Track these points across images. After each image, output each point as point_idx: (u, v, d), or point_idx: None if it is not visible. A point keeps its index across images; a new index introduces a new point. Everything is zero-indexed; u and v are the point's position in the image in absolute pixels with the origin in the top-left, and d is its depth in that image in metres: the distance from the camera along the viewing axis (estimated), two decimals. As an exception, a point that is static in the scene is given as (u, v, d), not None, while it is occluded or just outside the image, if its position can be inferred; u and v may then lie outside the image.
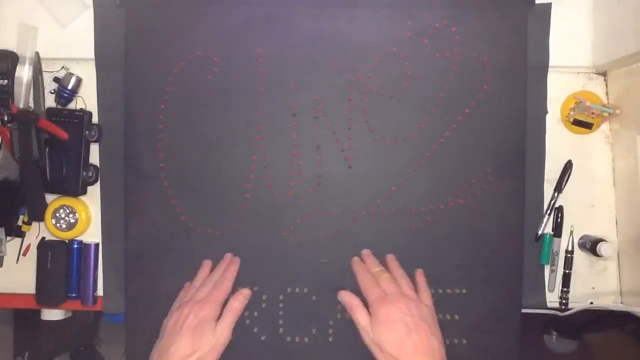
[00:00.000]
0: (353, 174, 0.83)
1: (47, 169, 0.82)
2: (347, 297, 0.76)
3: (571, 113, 0.85)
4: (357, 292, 0.82)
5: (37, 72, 0.84)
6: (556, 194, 0.85)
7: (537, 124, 0.85)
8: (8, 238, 0.86)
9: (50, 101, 0.86)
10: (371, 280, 0.75)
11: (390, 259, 0.80)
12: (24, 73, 0.83)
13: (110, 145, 0.85)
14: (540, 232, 0.84)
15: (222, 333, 0.72)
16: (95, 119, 0.85)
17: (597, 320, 1.02)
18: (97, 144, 0.85)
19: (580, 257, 0.85)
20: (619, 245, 0.85)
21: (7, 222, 0.85)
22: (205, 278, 0.79)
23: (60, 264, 0.84)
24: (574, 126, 0.85)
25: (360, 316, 0.73)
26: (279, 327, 0.82)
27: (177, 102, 0.83)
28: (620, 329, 1.02)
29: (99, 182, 0.86)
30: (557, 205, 0.84)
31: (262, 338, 0.82)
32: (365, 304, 0.74)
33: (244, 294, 0.78)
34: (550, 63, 0.85)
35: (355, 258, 0.81)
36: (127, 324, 0.83)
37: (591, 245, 0.82)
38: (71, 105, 0.86)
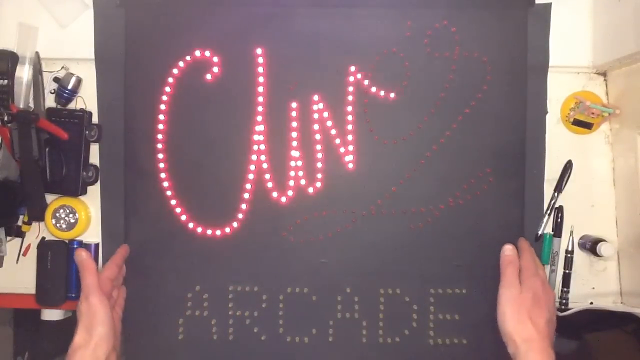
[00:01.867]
0: (353, 174, 0.83)
1: (47, 169, 0.82)
2: (510, 252, 0.78)
3: (571, 113, 0.85)
4: (358, 291, 0.82)
5: (37, 72, 0.84)
6: (556, 194, 0.84)
7: (537, 124, 0.85)
8: (8, 238, 0.86)
9: (50, 101, 0.86)
10: (535, 261, 0.78)
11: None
12: (24, 73, 0.83)
13: (110, 145, 0.85)
14: (540, 232, 0.84)
15: (87, 292, 0.74)
16: (95, 119, 0.85)
17: (597, 320, 1.02)
18: (97, 144, 0.85)
19: (580, 257, 0.85)
20: (619, 245, 0.85)
21: (7, 222, 0.85)
22: None
23: (60, 264, 0.84)
24: (574, 126, 0.85)
25: (513, 272, 0.76)
26: (279, 327, 0.82)
27: (177, 102, 0.83)
28: (620, 329, 1.02)
29: (99, 182, 0.86)
30: (557, 205, 0.84)
31: (262, 338, 0.82)
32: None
33: (78, 252, 0.78)
34: (550, 63, 0.85)
35: (523, 238, 0.82)
36: (127, 324, 0.83)
37: (591, 245, 0.82)
38: (71, 105, 0.86)
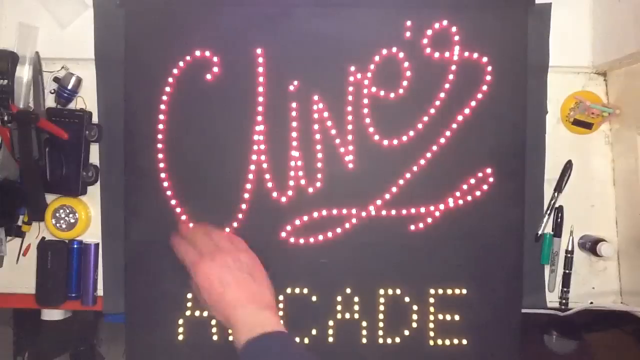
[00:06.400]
0: (353, 174, 0.83)
1: (47, 169, 0.82)
2: None
3: (571, 113, 0.85)
4: (358, 291, 0.82)
5: (37, 72, 0.84)
6: (556, 194, 0.85)
7: (537, 124, 0.85)
8: (8, 238, 0.86)
9: (50, 101, 0.86)
10: (186, 245, 0.72)
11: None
12: (24, 73, 0.83)
13: (110, 145, 0.85)
14: (540, 232, 0.84)
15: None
16: (95, 119, 0.85)
17: (597, 320, 1.02)
18: (97, 144, 0.85)
19: (580, 257, 0.85)
20: (619, 245, 0.85)
21: (7, 222, 0.85)
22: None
23: (60, 264, 0.84)
24: (574, 126, 0.85)
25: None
26: (279, 327, 0.82)
27: (177, 102, 0.83)
28: (620, 329, 1.02)
29: (99, 182, 0.86)
30: (557, 205, 0.85)
31: (262, 338, 0.82)
32: None
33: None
34: (550, 63, 0.85)
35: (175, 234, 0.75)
36: (127, 324, 0.83)
37: (591, 245, 0.82)
38: (71, 105, 0.86)
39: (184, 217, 0.82)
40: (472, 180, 0.82)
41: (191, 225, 0.80)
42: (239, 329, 0.64)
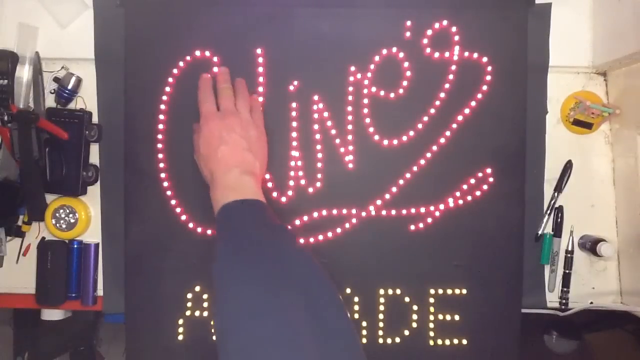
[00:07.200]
0: (353, 174, 0.83)
1: (47, 169, 0.82)
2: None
3: (571, 113, 0.85)
4: (358, 291, 0.82)
5: (37, 72, 0.84)
6: (556, 194, 0.85)
7: (537, 124, 0.85)
8: (8, 238, 0.86)
9: (50, 101, 0.86)
10: (210, 93, 0.77)
11: (239, 82, 0.80)
12: (24, 73, 0.83)
13: (110, 145, 0.85)
14: (540, 232, 0.84)
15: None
16: (95, 119, 0.85)
17: (597, 320, 1.02)
18: (97, 144, 0.85)
19: (580, 257, 0.85)
20: (619, 245, 0.85)
21: (7, 222, 0.85)
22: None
23: (60, 264, 0.84)
24: (574, 126, 0.85)
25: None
26: (279, 327, 0.82)
27: (177, 102, 0.83)
28: (621, 329, 1.02)
29: (99, 182, 0.86)
30: (557, 205, 0.85)
31: (262, 338, 0.82)
32: None
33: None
34: (550, 63, 0.85)
35: (206, 75, 0.80)
36: (127, 324, 0.83)
37: (591, 245, 0.82)
38: (71, 105, 0.86)
39: (184, 217, 0.82)
40: (472, 180, 0.82)
41: (227, 76, 0.80)
42: (217, 186, 0.69)
